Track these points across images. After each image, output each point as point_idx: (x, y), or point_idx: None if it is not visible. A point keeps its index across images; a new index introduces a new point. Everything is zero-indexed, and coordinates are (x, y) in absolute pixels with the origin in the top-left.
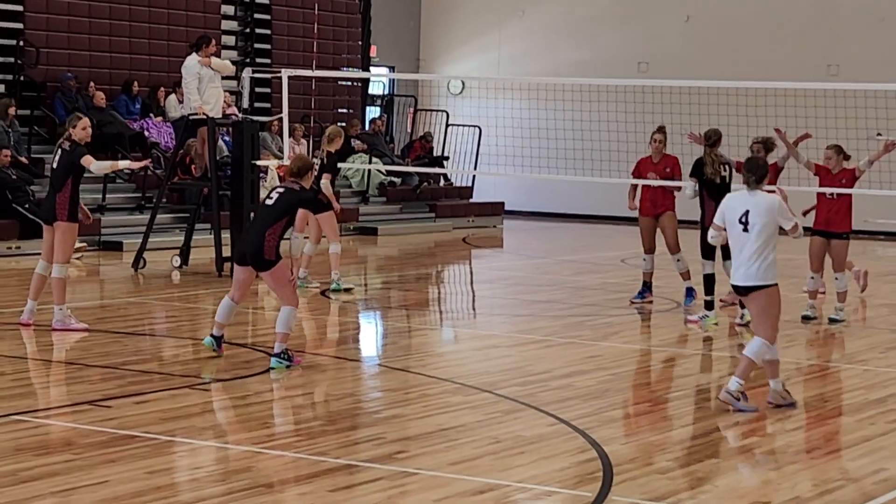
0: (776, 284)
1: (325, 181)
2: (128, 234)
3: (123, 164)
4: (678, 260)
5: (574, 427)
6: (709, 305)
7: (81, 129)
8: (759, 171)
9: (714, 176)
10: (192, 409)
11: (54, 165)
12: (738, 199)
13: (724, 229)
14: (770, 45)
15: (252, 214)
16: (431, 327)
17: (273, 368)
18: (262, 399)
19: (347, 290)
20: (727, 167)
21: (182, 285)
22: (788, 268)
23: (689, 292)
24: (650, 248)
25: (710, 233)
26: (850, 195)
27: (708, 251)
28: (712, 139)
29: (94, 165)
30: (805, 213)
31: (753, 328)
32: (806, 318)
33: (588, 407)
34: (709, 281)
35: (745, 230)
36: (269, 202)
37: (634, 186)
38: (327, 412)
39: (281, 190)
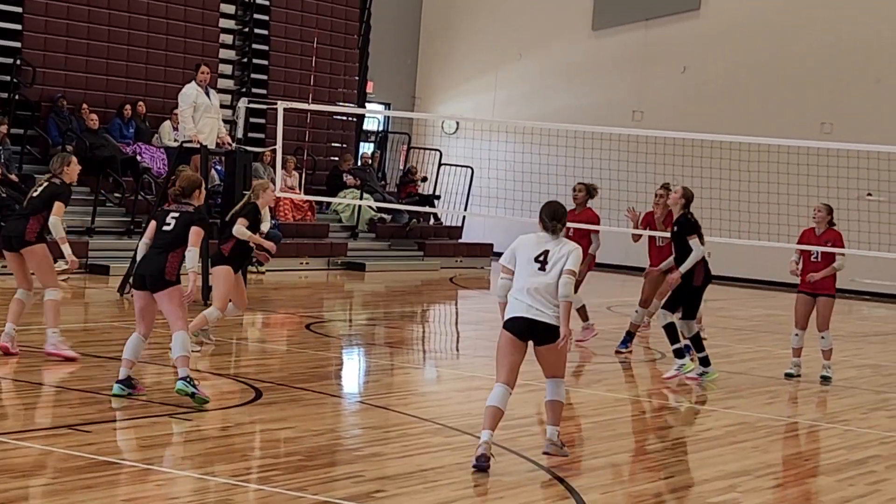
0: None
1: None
2: (115, 258)
3: (67, 251)
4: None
5: (553, 474)
6: (679, 353)
7: (74, 169)
8: (564, 218)
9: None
10: (172, 438)
11: (35, 195)
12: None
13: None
14: (765, 100)
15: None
16: (414, 366)
17: (180, 390)
18: (243, 431)
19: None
20: None
21: None
22: (771, 324)
23: (687, 348)
24: (646, 302)
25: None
26: (832, 257)
27: (672, 303)
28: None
29: (56, 220)
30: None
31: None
32: (788, 376)
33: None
34: (671, 330)
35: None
36: (167, 228)
37: (643, 224)
38: (307, 447)
39: (176, 214)
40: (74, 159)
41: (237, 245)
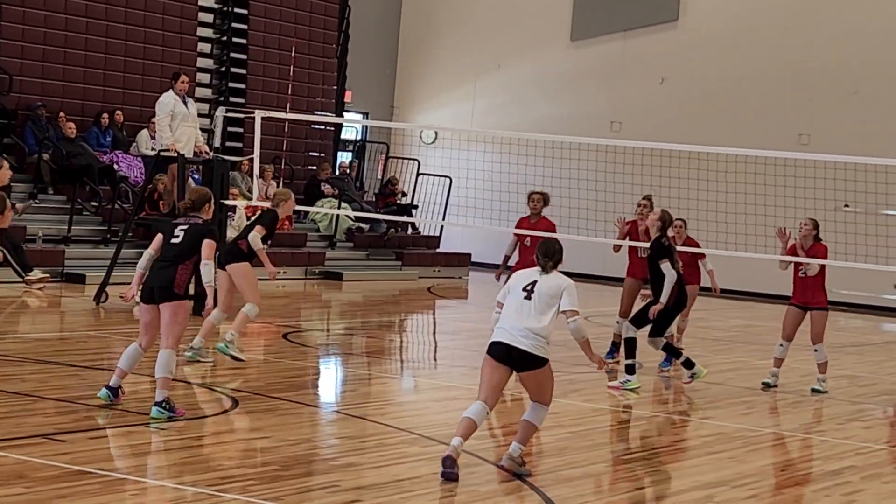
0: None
1: (254, 233)
2: (92, 266)
3: None
4: None
5: (530, 484)
6: (630, 369)
7: (6, 174)
8: (556, 256)
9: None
10: (147, 448)
11: None
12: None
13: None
14: (743, 111)
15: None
16: (392, 376)
17: (154, 419)
18: (218, 440)
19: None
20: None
21: None
22: (749, 334)
23: (668, 357)
24: (626, 312)
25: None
26: (822, 273)
27: (639, 319)
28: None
29: None
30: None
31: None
32: (766, 385)
33: (545, 464)
34: (631, 345)
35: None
36: (175, 241)
37: (623, 235)
38: (283, 457)
39: (185, 227)
40: (6, 163)
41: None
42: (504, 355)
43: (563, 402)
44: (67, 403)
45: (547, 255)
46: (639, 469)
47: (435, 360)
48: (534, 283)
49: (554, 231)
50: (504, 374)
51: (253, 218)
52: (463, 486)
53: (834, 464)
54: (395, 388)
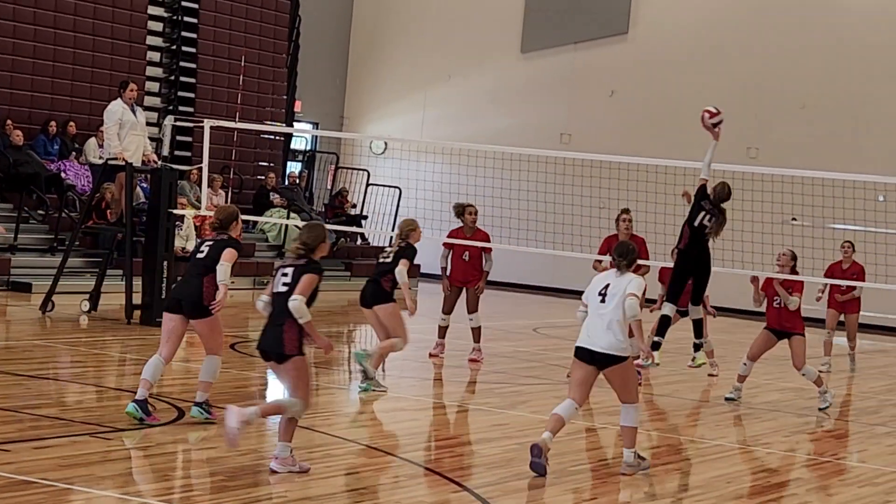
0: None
1: (401, 267)
2: (38, 275)
3: None
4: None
5: (477, 495)
6: (697, 347)
7: None
8: (630, 256)
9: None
10: (93, 458)
11: None
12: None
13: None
14: (691, 124)
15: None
16: (339, 386)
17: (193, 417)
18: (164, 451)
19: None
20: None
21: (89, 330)
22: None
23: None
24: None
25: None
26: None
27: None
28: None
29: None
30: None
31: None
32: (729, 400)
33: (492, 476)
34: (699, 325)
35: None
36: (200, 255)
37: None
38: (229, 467)
39: (210, 242)
40: None
41: (393, 281)
42: (587, 358)
43: (510, 414)
44: (12, 412)
45: (622, 255)
46: (585, 481)
47: (383, 371)
48: (607, 285)
49: (489, 241)
50: (590, 371)
51: (389, 257)
52: (409, 497)
53: (780, 476)
54: (343, 399)
